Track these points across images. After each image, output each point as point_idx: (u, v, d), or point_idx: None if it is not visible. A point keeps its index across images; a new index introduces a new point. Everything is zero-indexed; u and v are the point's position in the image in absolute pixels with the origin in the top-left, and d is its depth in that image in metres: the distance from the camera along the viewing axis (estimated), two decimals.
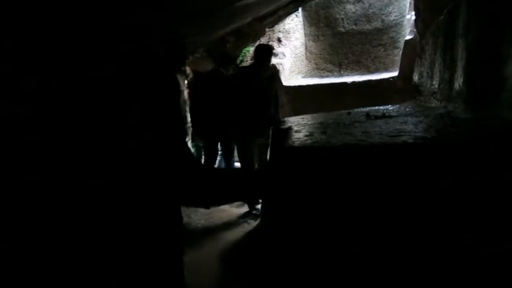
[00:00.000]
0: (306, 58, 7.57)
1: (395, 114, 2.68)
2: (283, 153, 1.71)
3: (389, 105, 3.60)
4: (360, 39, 7.13)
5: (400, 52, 6.48)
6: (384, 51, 6.86)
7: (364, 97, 6.07)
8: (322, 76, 7.34)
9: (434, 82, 2.92)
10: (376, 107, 3.46)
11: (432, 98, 2.92)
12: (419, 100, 3.38)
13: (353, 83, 6.28)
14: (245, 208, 5.39)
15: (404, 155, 1.47)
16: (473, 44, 2.13)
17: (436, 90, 2.84)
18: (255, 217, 4.99)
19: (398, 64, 6.40)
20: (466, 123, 1.90)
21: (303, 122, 2.71)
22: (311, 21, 7.59)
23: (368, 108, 3.46)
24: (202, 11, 4.15)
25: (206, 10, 4.20)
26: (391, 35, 6.80)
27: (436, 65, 2.89)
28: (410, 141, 1.58)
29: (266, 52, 4.78)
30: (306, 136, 1.98)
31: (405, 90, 5.89)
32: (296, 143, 1.70)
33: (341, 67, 7.30)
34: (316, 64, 7.51)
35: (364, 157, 1.51)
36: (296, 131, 2.20)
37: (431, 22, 4.90)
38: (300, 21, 7.58)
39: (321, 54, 7.52)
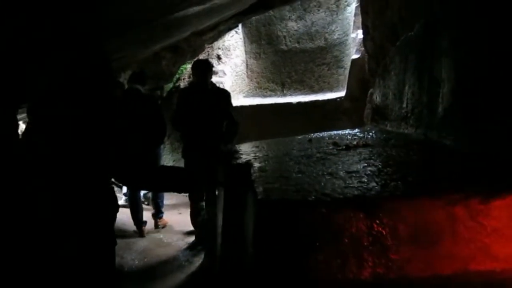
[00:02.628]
0: (247, 77, 7.19)
1: (369, 143, 2.30)
2: (256, 207, 1.22)
3: (348, 130, 3.25)
4: (303, 57, 6.88)
5: (345, 72, 6.30)
6: (328, 70, 6.65)
7: (310, 118, 5.78)
8: (264, 96, 6.99)
9: (404, 105, 2.59)
10: (337, 132, 3.09)
11: (402, 123, 2.59)
12: (383, 124, 3.05)
13: (299, 103, 5.97)
14: (183, 243, 4.81)
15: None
16: (467, 63, 1.80)
17: (408, 115, 2.51)
18: (196, 253, 4.44)
19: (343, 84, 6.21)
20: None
21: (262, 154, 2.25)
22: (252, 38, 7.24)
23: (327, 133, 3.08)
24: (132, 22, 3.59)
25: (138, 21, 3.64)
26: (334, 54, 6.61)
27: (407, 87, 2.57)
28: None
29: (207, 66, 4.48)
30: (278, 177, 1.51)
31: (352, 111, 5.67)
32: (275, 195, 1.21)
33: (284, 86, 6.99)
34: (258, 83, 7.15)
35: (380, 217, 1.07)
36: (261, 169, 1.72)
37: (382, 40, 4.68)
38: (241, 38, 7.21)
39: (263, 73, 7.17)
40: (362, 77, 5.49)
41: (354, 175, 1.49)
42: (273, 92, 6.99)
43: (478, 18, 1.77)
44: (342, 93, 5.95)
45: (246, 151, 2.46)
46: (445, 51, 2.02)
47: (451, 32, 1.98)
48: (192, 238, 4.67)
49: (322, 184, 1.35)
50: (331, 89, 6.44)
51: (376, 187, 1.26)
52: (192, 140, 4.47)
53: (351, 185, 1.31)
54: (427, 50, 2.26)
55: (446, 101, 1.98)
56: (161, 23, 3.89)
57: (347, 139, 2.58)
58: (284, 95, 6.85)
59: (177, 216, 5.90)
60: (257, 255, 1.16)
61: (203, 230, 4.38)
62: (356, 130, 3.14)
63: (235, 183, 1.82)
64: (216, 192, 4.45)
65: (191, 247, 4.46)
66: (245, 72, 7.18)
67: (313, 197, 1.16)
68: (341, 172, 1.55)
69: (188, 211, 5.51)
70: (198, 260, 4.15)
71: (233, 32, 7.08)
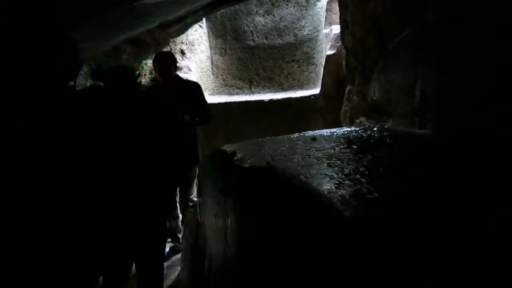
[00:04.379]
0: (213, 74, 6.83)
1: (387, 141, 2.06)
2: (340, 229, 0.91)
3: (345, 128, 3.01)
4: (272, 54, 6.61)
5: (316, 69, 6.11)
6: (298, 67, 6.42)
7: (282, 117, 5.54)
8: (231, 94, 6.66)
9: (417, 101, 2.37)
10: (334, 130, 2.83)
11: (416, 120, 2.37)
12: (383, 121, 2.83)
13: (271, 101, 5.69)
14: None
15: None
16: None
17: (423, 112, 2.29)
18: (170, 264, 4.05)
19: (314, 81, 6.02)
20: None
21: (274, 155, 1.93)
22: (217, 33, 6.89)
23: (325, 131, 2.82)
24: (100, 6, 3.17)
25: (105, 5, 3.23)
26: (305, 50, 6.39)
27: (420, 80, 2.35)
28: None
29: (171, 59, 4.12)
30: (336, 184, 1.21)
31: (327, 109, 5.49)
32: (367, 210, 0.91)
33: (252, 84, 6.70)
34: (224, 80, 6.80)
35: None
36: (297, 174, 1.42)
37: (363, 35, 4.50)
38: (205, 32, 6.84)
39: (229, 69, 6.83)
40: (337, 74, 5.32)
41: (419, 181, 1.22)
42: (240, 90, 6.68)
43: None
44: (314, 91, 5.75)
45: (247, 152, 2.13)
46: (480, 39, 1.82)
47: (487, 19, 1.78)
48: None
49: (396, 192, 1.07)
50: (301, 87, 6.22)
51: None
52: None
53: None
54: (451, 39, 2.05)
55: (486, 96, 1.77)
56: (130, 9, 3.48)
57: (357, 138, 2.33)
58: (252, 93, 6.56)
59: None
60: None
61: (180, 240, 4.00)
62: (355, 128, 2.90)
63: (257, 193, 1.50)
64: (194, 195, 4.09)
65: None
66: (210, 69, 6.82)
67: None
68: (397, 177, 1.28)
69: None
70: (174, 273, 3.77)
71: (196, 26, 6.69)
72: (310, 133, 2.79)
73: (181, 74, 6.26)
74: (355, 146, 1.99)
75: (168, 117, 3.88)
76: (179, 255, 3.85)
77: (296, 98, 5.61)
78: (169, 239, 4.14)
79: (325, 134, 2.65)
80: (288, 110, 5.50)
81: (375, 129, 2.69)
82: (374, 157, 1.68)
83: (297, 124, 5.43)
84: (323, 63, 5.71)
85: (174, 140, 3.92)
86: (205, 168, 2.63)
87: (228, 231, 1.80)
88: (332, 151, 1.90)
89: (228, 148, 2.42)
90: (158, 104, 3.82)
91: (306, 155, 1.82)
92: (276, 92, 6.34)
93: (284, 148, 2.13)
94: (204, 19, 6.68)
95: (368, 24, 4.21)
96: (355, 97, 4.74)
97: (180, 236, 3.97)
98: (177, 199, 4.09)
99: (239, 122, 5.79)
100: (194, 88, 4.10)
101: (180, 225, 3.97)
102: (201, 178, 3.21)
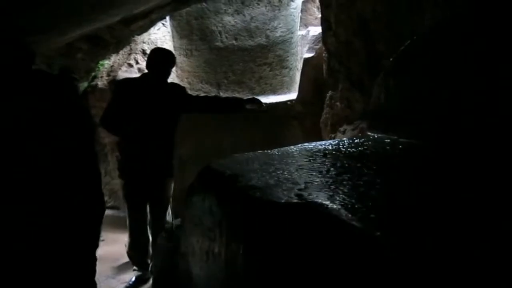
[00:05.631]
0: (177, 77, 6.30)
1: (424, 164, 1.70)
2: None
3: (348, 139, 2.64)
4: (242, 56, 6.19)
5: (290, 72, 5.76)
6: (270, 70, 6.03)
7: (257, 124, 5.14)
8: None
9: (444, 110, 2.03)
10: (341, 141, 2.45)
11: (443, 133, 2.02)
12: (392, 131, 2.48)
13: None
14: (116, 282, 3.83)
15: None
16: None
17: (453, 124, 1.95)
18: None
19: (288, 86, 5.68)
20: None
21: (300, 188, 1.48)
22: (182, 33, 6.37)
23: (328, 143, 2.44)
24: None
25: None
26: (277, 53, 6.02)
27: (447, 88, 2.01)
28: None
29: (174, 60, 3.71)
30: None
31: (305, 116, 5.16)
32: None
33: (220, 88, 6.24)
34: (189, 83, 6.29)
35: None
36: (358, 215, 1.00)
37: (348, 36, 4.20)
38: (169, 32, 6.31)
39: (195, 72, 6.34)
40: (315, 78, 5.00)
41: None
42: (208, 94, 6.21)
43: None
44: (288, 96, 5.41)
45: (252, 175, 1.68)
46: None
47: None
48: (129, 275, 3.71)
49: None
50: (274, 92, 5.84)
51: None
52: (136, 151, 3.51)
53: None
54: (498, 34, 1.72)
55: None
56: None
57: (381, 154, 1.96)
58: None
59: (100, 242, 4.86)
60: None
61: (149, 267, 3.47)
62: (359, 139, 2.52)
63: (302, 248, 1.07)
64: (170, 215, 3.59)
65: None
66: (175, 71, 6.29)
67: None
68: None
69: (114, 236, 4.57)
70: None
71: (159, 24, 6.17)
72: (309, 146, 2.39)
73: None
74: (395, 173, 1.60)
75: (165, 117, 3.46)
76: (147, 285, 3.33)
77: (271, 104, 5.22)
78: (135, 267, 3.59)
79: (331, 148, 2.26)
80: (263, 116, 5.09)
81: (388, 141, 2.33)
82: (431, 191, 1.30)
83: (273, 131, 5.06)
84: (298, 66, 5.38)
85: (146, 148, 3.41)
86: (190, 188, 2.15)
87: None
88: (368, 177, 1.49)
89: (220, 167, 1.97)
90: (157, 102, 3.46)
91: (332, 182, 1.41)
92: (246, 97, 5.92)
93: (296, 169, 1.71)
94: (168, 17, 6.16)
95: (355, 25, 3.90)
96: (338, 103, 4.40)
97: (149, 262, 3.44)
98: (147, 219, 3.55)
99: (208, 128, 5.34)
100: (180, 90, 3.80)
101: (150, 250, 3.44)
102: (179, 197, 2.72)
